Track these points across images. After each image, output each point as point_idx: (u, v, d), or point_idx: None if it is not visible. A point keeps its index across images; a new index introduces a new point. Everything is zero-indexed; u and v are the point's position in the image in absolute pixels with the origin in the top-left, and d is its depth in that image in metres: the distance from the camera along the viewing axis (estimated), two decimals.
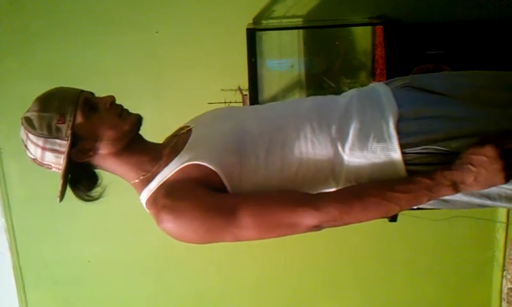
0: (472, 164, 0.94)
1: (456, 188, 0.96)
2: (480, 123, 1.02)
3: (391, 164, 1.03)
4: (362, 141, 1.04)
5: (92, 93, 1.13)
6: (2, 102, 2.39)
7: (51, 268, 2.61)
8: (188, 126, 1.17)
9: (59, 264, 2.61)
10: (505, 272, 2.52)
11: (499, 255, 2.53)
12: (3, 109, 2.39)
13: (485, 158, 0.93)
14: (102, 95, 1.13)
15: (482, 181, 0.95)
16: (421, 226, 2.36)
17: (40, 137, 1.04)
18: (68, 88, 1.11)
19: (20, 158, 1.10)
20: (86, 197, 1.13)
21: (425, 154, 1.02)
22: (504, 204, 1.06)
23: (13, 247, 2.56)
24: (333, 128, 1.06)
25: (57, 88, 1.10)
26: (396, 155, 1.02)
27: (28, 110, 1.07)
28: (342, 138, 1.05)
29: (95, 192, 1.14)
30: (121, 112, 1.10)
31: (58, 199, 1.10)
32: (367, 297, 2.64)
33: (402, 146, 1.02)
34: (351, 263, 2.60)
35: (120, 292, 2.66)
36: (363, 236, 2.49)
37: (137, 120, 1.12)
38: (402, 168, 1.02)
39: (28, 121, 1.05)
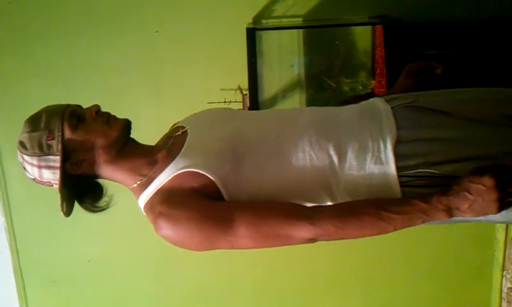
0: (469, 192, 0.94)
1: (450, 213, 0.97)
2: (476, 147, 1.03)
3: (387, 185, 1.04)
4: (359, 161, 1.05)
5: (79, 106, 1.14)
6: (2, 102, 2.39)
7: (51, 267, 2.61)
8: (183, 127, 1.15)
9: (59, 263, 2.61)
10: (505, 271, 2.51)
11: (499, 255, 2.53)
12: (3, 108, 2.39)
13: (483, 187, 0.93)
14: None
15: (476, 209, 0.95)
16: (421, 225, 2.35)
17: (34, 156, 1.06)
18: (55, 105, 1.12)
19: None
20: (95, 209, 1.15)
21: (420, 177, 1.03)
22: (499, 220, 1.06)
23: (13, 246, 2.56)
24: (331, 145, 1.06)
25: (43, 107, 1.12)
26: (392, 177, 1.03)
27: (20, 134, 1.09)
28: (340, 156, 1.06)
29: (102, 202, 1.16)
30: (108, 119, 1.10)
31: (62, 214, 1.11)
32: (367, 296, 2.64)
33: (399, 169, 1.03)
34: (350, 262, 2.59)
35: (120, 292, 2.66)
36: None
37: (126, 125, 1.12)
38: (397, 190, 1.04)
39: (21, 144, 1.08)
